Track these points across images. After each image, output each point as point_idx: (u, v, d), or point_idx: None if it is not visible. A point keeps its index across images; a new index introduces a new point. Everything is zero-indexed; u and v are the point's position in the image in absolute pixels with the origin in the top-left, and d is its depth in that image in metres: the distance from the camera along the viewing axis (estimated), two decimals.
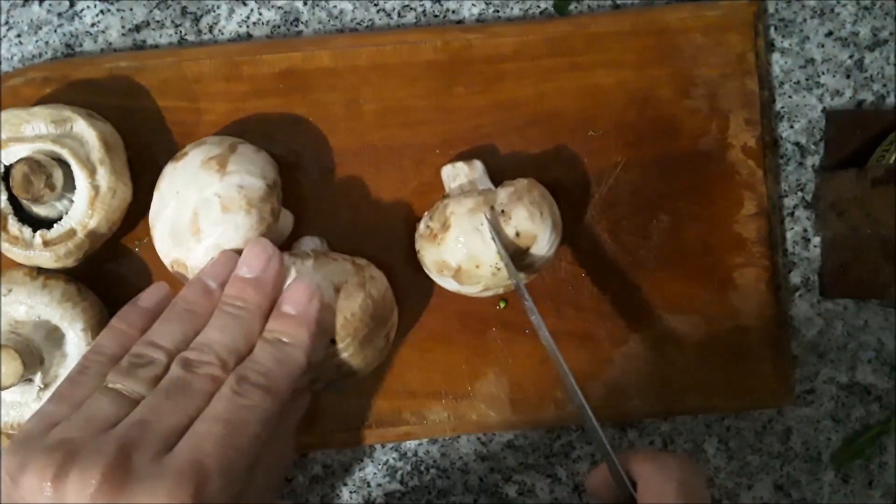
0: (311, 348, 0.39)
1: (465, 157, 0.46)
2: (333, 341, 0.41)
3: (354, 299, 0.41)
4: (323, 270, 0.41)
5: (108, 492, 0.31)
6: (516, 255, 0.42)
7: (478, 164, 0.45)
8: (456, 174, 0.44)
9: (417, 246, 0.44)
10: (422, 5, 0.48)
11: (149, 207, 0.44)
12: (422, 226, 0.44)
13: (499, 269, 0.42)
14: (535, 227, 0.42)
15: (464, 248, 0.41)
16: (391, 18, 0.48)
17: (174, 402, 0.35)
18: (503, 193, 0.42)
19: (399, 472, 0.49)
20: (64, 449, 0.32)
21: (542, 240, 0.42)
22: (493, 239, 0.41)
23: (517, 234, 0.41)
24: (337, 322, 0.41)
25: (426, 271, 0.44)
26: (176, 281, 0.43)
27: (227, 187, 0.41)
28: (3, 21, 0.48)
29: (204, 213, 0.41)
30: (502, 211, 0.41)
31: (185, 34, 0.48)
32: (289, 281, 0.40)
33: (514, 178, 0.43)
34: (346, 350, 0.41)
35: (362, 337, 0.42)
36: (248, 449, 0.35)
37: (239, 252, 0.40)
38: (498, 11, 0.48)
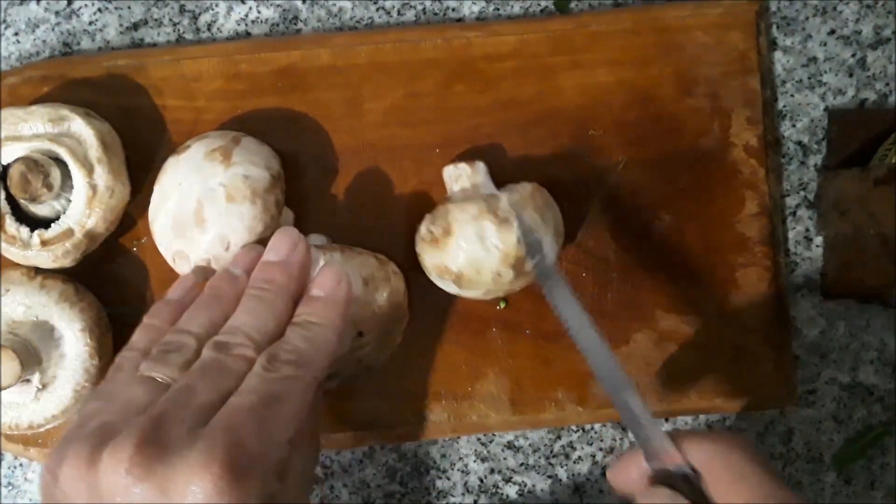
0: (342, 329, 0.39)
1: (466, 156, 0.46)
2: (361, 334, 0.41)
3: (381, 292, 0.42)
4: (351, 263, 0.42)
5: (143, 464, 0.31)
6: (517, 262, 0.41)
7: (480, 166, 0.44)
8: (458, 175, 0.44)
9: (418, 249, 0.44)
10: (422, 3, 0.48)
11: (147, 207, 0.44)
12: (423, 229, 0.43)
13: (500, 275, 0.41)
14: (536, 234, 0.41)
15: (466, 254, 0.41)
16: (391, 16, 0.48)
17: (208, 380, 0.35)
18: (505, 200, 0.42)
19: (399, 473, 0.49)
20: (98, 434, 0.33)
21: (543, 247, 0.42)
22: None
23: (519, 242, 0.41)
24: (365, 314, 0.41)
25: (426, 274, 0.44)
26: (177, 277, 0.43)
27: (231, 177, 0.41)
28: (0, 19, 0.47)
29: (208, 203, 0.41)
30: (505, 218, 0.41)
31: (184, 32, 0.48)
32: (316, 271, 0.41)
33: (514, 178, 0.43)
34: (371, 343, 0.42)
35: (385, 330, 0.42)
36: (284, 418, 0.34)
37: (261, 245, 0.41)
38: (498, 9, 0.48)
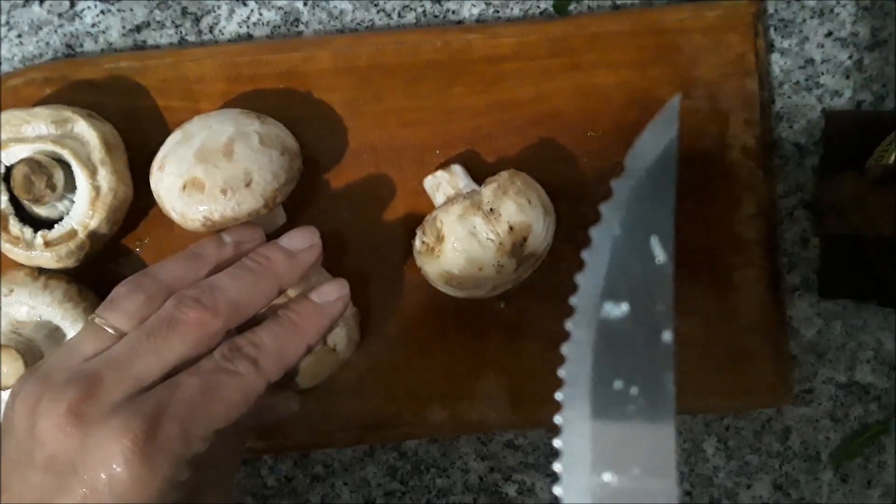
0: (315, 345, 0.39)
1: (465, 157, 0.46)
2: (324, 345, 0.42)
3: (350, 309, 0.43)
4: None
5: (72, 422, 0.33)
6: (515, 249, 0.42)
7: (456, 168, 0.44)
8: (438, 183, 0.44)
9: (418, 263, 0.44)
10: (422, 6, 0.48)
11: (150, 208, 0.44)
12: (417, 242, 0.44)
13: (503, 266, 0.42)
14: (526, 216, 0.42)
15: (463, 254, 0.42)
16: (391, 19, 0.48)
17: (152, 343, 0.35)
18: (487, 192, 0.42)
19: (399, 472, 0.49)
20: (44, 379, 0.34)
21: (536, 227, 0.42)
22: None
23: (511, 229, 0.41)
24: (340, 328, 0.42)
25: (433, 285, 0.44)
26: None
27: (266, 129, 0.42)
28: (3, 21, 0.48)
29: (241, 141, 0.41)
30: (490, 210, 0.41)
31: (186, 34, 0.48)
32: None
33: None
34: (319, 354, 0.42)
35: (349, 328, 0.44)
36: (218, 411, 0.35)
37: (258, 227, 0.41)
38: (498, 12, 0.48)
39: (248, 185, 0.40)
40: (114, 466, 0.32)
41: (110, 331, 0.36)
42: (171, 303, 0.36)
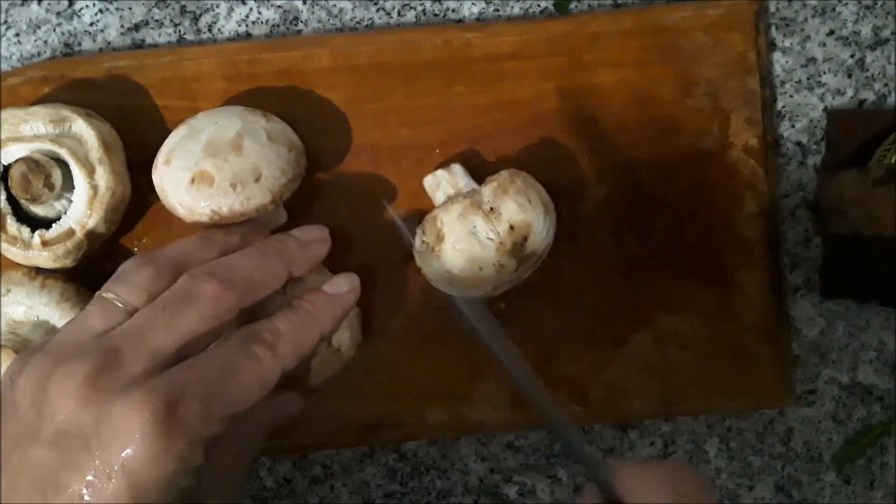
0: (329, 334, 0.39)
1: (465, 156, 0.46)
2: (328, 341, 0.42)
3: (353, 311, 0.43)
4: None
5: (88, 394, 0.32)
6: (515, 248, 0.42)
7: (456, 168, 0.44)
8: (438, 182, 0.44)
9: (418, 263, 0.44)
10: (422, 4, 0.48)
11: (148, 208, 0.44)
12: (417, 242, 0.43)
13: (503, 266, 0.41)
14: (526, 216, 0.41)
15: (463, 254, 0.41)
16: (391, 17, 0.48)
17: (168, 317, 0.35)
18: (487, 191, 0.42)
19: (399, 473, 0.49)
20: (57, 352, 0.34)
21: (536, 226, 0.42)
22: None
23: (511, 228, 0.41)
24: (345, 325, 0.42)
25: (434, 285, 0.44)
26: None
27: (272, 126, 0.42)
28: (1, 20, 0.48)
29: (249, 136, 0.41)
30: (491, 209, 0.41)
31: (184, 33, 0.48)
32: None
33: None
34: (323, 354, 0.42)
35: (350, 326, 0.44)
36: (235, 394, 0.34)
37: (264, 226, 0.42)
38: (498, 10, 0.48)
39: (257, 179, 0.41)
40: (131, 441, 0.31)
41: (119, 304, 0.36)
42: (185, 278, 0.36)
